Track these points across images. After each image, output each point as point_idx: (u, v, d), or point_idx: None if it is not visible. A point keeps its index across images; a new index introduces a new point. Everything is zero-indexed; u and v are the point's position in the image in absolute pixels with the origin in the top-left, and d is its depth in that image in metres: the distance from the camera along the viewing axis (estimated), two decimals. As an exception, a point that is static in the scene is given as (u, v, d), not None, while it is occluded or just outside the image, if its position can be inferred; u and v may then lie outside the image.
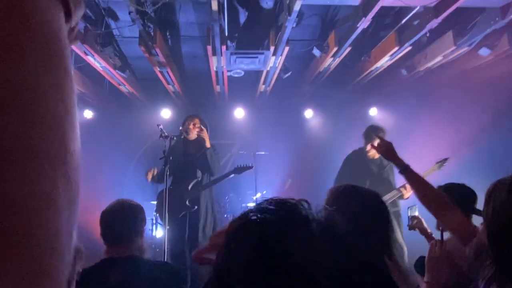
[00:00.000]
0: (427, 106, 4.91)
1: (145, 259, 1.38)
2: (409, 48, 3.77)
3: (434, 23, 3.17)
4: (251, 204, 5.88)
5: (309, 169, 5.63)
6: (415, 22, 3.43)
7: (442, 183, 2.21)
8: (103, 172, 5.57)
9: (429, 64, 4.24)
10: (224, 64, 4.04)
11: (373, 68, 4.36)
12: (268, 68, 4.28)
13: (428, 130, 4.72)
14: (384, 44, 3.90)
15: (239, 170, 3.18)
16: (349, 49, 3.74)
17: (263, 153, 5.68)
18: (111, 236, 1.18)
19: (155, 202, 3.69)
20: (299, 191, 5.71)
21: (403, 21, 3.43)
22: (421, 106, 5.03)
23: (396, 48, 3.71)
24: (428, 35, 3.42)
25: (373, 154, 3.40)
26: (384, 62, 4.15)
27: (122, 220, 1.38)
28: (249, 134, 5.94)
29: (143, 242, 1.41)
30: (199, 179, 2.92)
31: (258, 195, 5.83)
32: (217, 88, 5.33)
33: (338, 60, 4.03)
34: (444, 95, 4.78)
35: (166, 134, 2.63)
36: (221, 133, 5.39)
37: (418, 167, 3.86)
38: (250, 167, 3.25)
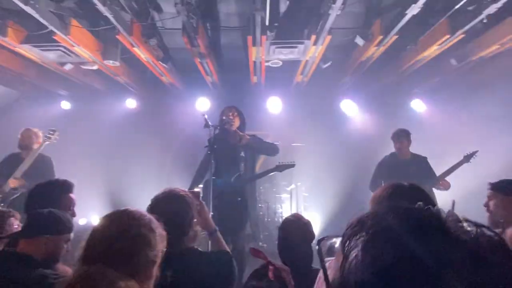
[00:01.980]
0: (479, 99, 4.56)
1: (200, 250, 1.38)
2: (462, 35, 3.52)
3: (492, 8, 2.92)
4: (285, 195, 5.89)
5: (346, 162, 5.51)
6: (470, 7, 3.18)
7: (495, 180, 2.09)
8: (144, 159, 5.84)
9: (483, 53, 3.92)
10: (263, 54, 4.02)
11: (419, 57, 4.12)
12: (307, 58, 4.20)
13: (481, 126, 4.39)
14: (434, 31, 3.66)
15: (281, 167, 3.16)
16: (395, 37, 3.55)
17: (299, 144, 5.64)
18: (167, 228, 1.14)
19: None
20: (336, 184, 5.62)
21: (457, 6, 3.18)
22: (473, 99, 4.68)
23: (447, 36, 3.47)
24: (485, 21, 3.15)
25: (404, 154, 3.73)
26: (432, 51, 3.90)
27: (178, 211, 1.35)
28: (284, 125, 5.90)
29: (196, 231, 1.42)
30: (242, 172, 2.98)
31: (292, 186, 5.82)
32: (254, 79, 5.34)
33: (382, 49, 3.85)
34: (499, 87, 4.42)
35: (210, 123, 2.70)
36: (257, 124, 5.41)
37: (468, 169, 3.65)
38: (292, 165, 3.21)
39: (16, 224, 1.74)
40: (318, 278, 0.52)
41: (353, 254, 0.41)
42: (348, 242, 0.43)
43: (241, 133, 3.11)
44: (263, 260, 1.20)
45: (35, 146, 3.51)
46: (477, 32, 3.74)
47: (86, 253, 0.92)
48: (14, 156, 3.55)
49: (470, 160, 3.59)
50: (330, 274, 0.45)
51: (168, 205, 1.37)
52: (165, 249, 1.00)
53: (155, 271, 0.95)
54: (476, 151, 3.61)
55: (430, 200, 1.27)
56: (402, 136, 3.71)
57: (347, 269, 0.41)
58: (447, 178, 3.58)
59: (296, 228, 1.69)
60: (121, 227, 0.95)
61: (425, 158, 3.77)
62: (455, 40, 3.60)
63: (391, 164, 3.76)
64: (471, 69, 4.54)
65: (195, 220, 1.42)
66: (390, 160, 3.82)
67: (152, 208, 1.37)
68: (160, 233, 1.01)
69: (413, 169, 3.61)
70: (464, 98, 4.96)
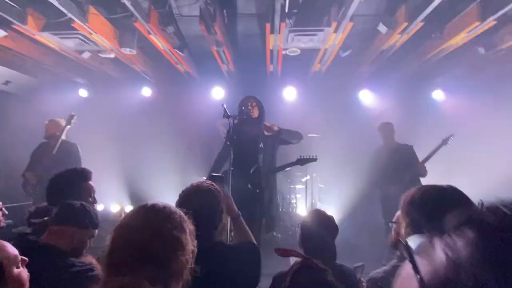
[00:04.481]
0: (508, 91, 4.34)
1: (228, 244, 1.37)
2: (493, 23, 3.32)
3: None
4: (300, 186, 5.84)
5: (363, 153, 5.40)
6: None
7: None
8: (159, 146, 5.88)
9: (515, 41, 3.71)
10: (281, 42, 3.91)
11: (445, 46, 3.93)
12: (327, 46, 4.08)
13: (506, 118, 4.19)
14: (463, 18, 3.48)
15: (303, 161, 3.03)
16: (420, 24, 3.39)
17: (314, 135, 5.55)
18: (198, 223, 1.05)
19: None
20: (353, 176, 5.53)
21: (489, -9, 3.01)
22: (500, 91, 4.46)
23: (477, 23, 3.29)
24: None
25: (389, 143, 4.15)
26: (459, 39, 3.72)
27: (208, 206, 1.34)
28: (300, 114, 5.81)
29: (224, 224, 1.40)
30: (260, 164, 2.93)
31: (308, 177, 5.76)
32: (270, 68, 5.24)
33: (406, 37, 3.69)
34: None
35: (229, 114, 2.66)
36: (272, 114, 5.33)
37: (494, 166, 3.51)
38: (314, 160, 3.07)
39: None
40: (399, 276, 0.55)
41: (459, 249, 0.44)
42: (449, 237, 0.46)
43: (269, 125, 3.04)
44: (298, 257, 1.15)
45: (59, 133, 3.62)
46: (509, 18, 3.54)
47: (113, 259, 0.86)
48: (45, 144, 3.74)
49: (448, 143, 3.88)
50: (423, 273, 0.48)
51: (198, 201, 1.34)
52: (195, 249, 0.95)
53: (187, 274, 0.90)
54: (452, 134, 3.89)
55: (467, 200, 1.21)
56: (386, 127, 4.21)
57: (455, 265, 0.44)
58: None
59: (319, 224, 1.65)
60: (151, 229, 0.88)
61: (410, 147, 4.06)
62: (485, 28, 3.41)
63: (380, 155, 4.16)
64: (499, 58, 4.32)
65: (223, 213, 1.40)
66: (378, 152, 4.22)
67: (181, 204, 1.34)
68: (190, 230, 0.96)
69: (398, 157, 3.97)
70: (490, 89, 4.75)
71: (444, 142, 3.92)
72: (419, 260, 0.50)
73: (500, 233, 0.43)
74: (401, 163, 3.90)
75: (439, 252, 0.47)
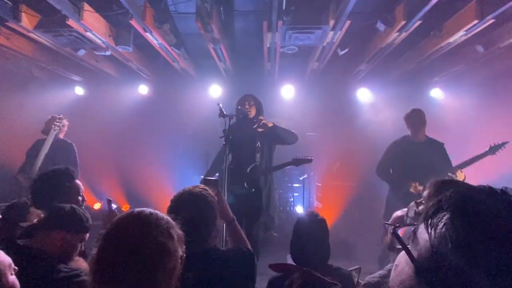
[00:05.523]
0: (507, 89, 4.33)
1: (220, 249, 1.34)
2: (492, 21, 3.30)
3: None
4: (297, 185, 5.83)
5: (359, 152, 5.39)
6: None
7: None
8: (156, 144, 5.85)
9: (514, 40, 3.69)
10: (279, 40, 3.88)
11: (443, 44, 3.91)
12: (325, 44, 4.05)
13: (508, 119, 4.18)
14: (461, 16, 3.45)
15: (298, 161, 3.02)
16: (419, 22, 3.37)
17: (312, 134, 5.53)
18: (191, 230, 1.02)
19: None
20: (348, 175, 5.52)
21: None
22: (499, 89, 4.45)
23: (476, 21, 3.26)
24: (520, 4, 2.93)
25: (418, 136, 3.43)
26: (458, 37, 3.69)
27: (202, 213, 1.30)
28: (298, 113, 5.79)
29: (218, 229, 1.37)
30: (258, 163, 2.91)
31: (305, 176, 5.75)
32: (268, 66, 5.21)
33: (404, 35, 3.66)
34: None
35: (225, 113, 2.63)
36: (269, 112, 5.30)
37: (493, 164, 3.47)
38: (309, 161, 3.05)
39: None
40: (395, 266, 0.58)
41: (440, 227, 0.47)
42: (430, 219, 0.50)
43: (263, 120, 2.98)
44: (293, 269, 1.12)
45: (49, 134, 3.54)
46: (508, 17, 3.51)
47: (99, 266, 0.84)
48: (40, 142, 3.62)
49: (496, 153, 3.25)
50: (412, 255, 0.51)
51: (190, 207, 1.30)
52: (184, 255, 0.93)
53: (175, 280, 0.88)
54: (506, 142, 3.25)
55: None
56: (416, 116, 3.41)
57: (437, 242, 0.47)
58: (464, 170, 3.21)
59: (311, 227, 1.63)
60: (136, 236, 0.86)
61: (441, 144, 3.45)
62: (484, 26, 3.38)
63: (402, 147, 3.46)
64: (498, 56, 4.31)
65: (217, 218, 1.37)
66: (401, 143, 3.49)
67: (172, 210, 1.29)
68: (179, 236, 0.93)
69: (427, 153, 3.29)
70: (488, 87, 4.74)
71: (492, 150, 3.26)
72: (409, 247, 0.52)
73: (468, 217, 0.45)
74: (431, 161, 3.24)
75: (422, 238, 0.49)
